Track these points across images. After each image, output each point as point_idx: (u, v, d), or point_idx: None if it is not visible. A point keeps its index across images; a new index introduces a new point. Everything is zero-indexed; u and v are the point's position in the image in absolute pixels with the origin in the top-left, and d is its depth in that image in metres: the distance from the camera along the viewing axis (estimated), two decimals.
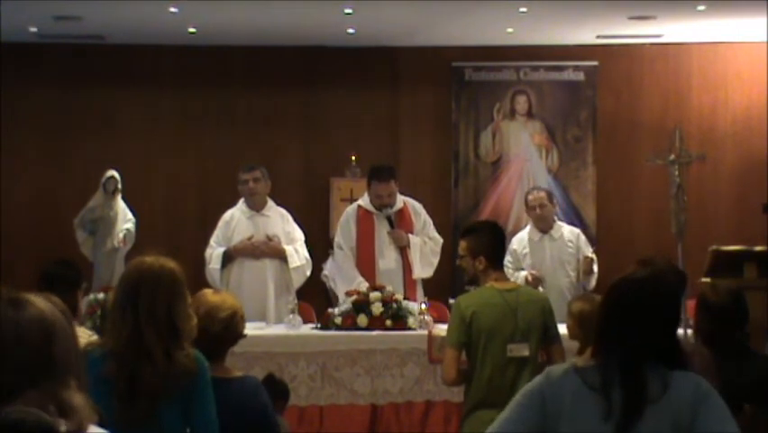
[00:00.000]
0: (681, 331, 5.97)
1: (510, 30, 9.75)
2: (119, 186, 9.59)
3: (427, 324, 6.58)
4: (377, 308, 6.55)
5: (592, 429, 2.72)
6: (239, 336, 3.90)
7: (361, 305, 6.59)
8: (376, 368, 6.48)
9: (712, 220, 10.16)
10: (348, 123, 10.55)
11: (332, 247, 8.00)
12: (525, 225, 7.96)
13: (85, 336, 4.45)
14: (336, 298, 7.45)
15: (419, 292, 7.34)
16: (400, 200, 7.37)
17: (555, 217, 7.82)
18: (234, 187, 7.83)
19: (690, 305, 5.73)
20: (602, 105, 10.50)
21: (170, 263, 3.51)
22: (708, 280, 6.01)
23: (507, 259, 7.34)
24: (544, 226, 7.61)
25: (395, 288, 6.87)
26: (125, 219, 9.61)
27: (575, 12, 9.10)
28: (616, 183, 10.50)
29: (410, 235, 7.30)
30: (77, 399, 1.92)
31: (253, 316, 6.68)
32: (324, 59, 10.52)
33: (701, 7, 8.89)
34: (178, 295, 3.46)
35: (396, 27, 9.75)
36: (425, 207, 7.53)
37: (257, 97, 10.59)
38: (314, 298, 8.35)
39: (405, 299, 6.82)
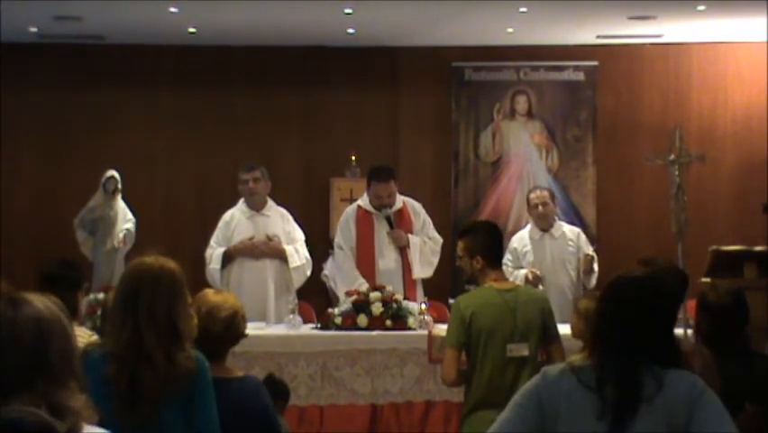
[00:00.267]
0: (680, 331, 5.98)
1: (510, 30, 9.75)
2: (119, 186, 9.59)
3: (427, 324, 6.57)
4: (377, 308, 6.55)
5: (588, 429, 2.73)
6: (240, 335, 3.89)
7: (361, 305, 6.59)
8: (376, 368, 6.47)
9: (712, 220, 10.14)
10: (348, 123, 10.54)
11: (332, 247, 8.00)
12: (525, 225, 7.96)
13: (85, 336, 4.45)
14: (336, 298, 7.44)
15: (419, 292, 7.33)
16: (400, 200, 7.37)
17: (556, 217, 7.84)
18: (234, 187, 7.83)
19: (690, 305, 5.74)
20: (602, 105, 10.49)
21: (170, 264, 3.49)
22: (708, 280, 6.01)
23: (507, 258, 7.35)
24: (544, 225, 7.61)
25: (395, 288, 6.87)
26: (125, 219, 9.60)
27: (575, 12, 9.10)
28: (616, 183, 10.49)
29: (410, 235, 7.29)
30: (75, 400, 1.91)
31: (254, 316, 6.66)
32: (324, 59, 10.52)
33: (701, 7, 8.89)
34: (178, 295, 3.44)
35: (396, 27, 9.74)
36: (424, 207, 7.52)
37: (257, 97, 10.59)
38: (314, 298, 8.35)
39: (405, 299, 6.81)
